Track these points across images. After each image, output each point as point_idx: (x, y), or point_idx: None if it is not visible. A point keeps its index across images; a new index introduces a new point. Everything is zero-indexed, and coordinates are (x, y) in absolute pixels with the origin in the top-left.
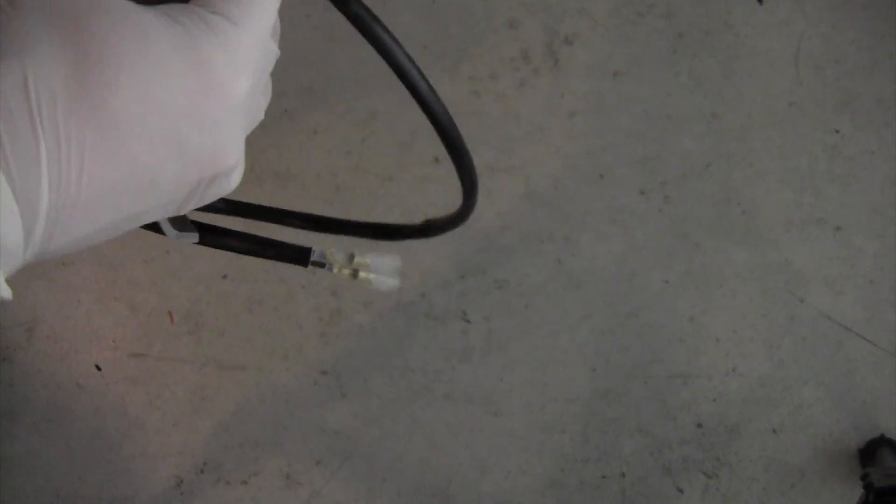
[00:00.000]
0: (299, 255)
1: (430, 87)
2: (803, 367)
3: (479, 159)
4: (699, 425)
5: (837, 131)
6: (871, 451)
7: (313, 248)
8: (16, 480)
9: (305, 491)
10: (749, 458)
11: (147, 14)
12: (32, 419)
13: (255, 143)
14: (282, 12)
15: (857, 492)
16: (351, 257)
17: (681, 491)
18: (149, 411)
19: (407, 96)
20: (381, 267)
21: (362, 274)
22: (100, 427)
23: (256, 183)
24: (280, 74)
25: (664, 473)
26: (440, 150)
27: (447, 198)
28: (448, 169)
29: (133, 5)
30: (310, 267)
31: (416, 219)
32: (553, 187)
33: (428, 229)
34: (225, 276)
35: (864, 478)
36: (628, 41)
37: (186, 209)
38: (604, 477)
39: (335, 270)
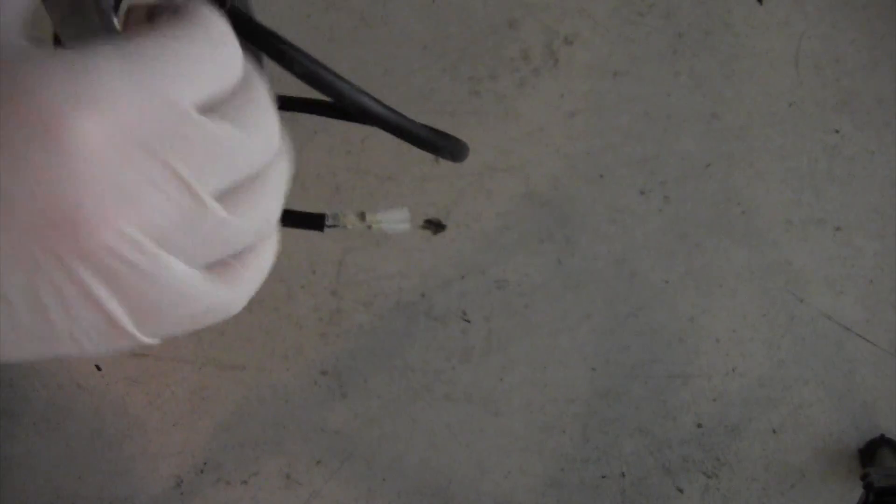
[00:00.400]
0: (314, 221)
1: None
2: (803, 367)
3: (480, 159)
4: (699, 425)
5: (837, 131)
6: (871, 451)
7: (326, 213)
8: (16, 480)
9: (305, 491)
10: (749, 458)
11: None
12: (32, 419)
13: None
14: (282, 13)
15: (857, 492)
16: (362, 215)
17: (681, 491)
18: (149, 411)
19: (406, 96)
20: (391, 217)
21: (374, 224)
22: (100, 427)
23: None
24: (281, 74)
25: (664, 473)
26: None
27: (447, 198)
28: (448, 169)
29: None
30: (326, 230)
31: (418, 220)
32: (553, 187)
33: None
34: None
35: (864, 478)
36: (628, 41)
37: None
38: (604, 477)
39: (349, 227)
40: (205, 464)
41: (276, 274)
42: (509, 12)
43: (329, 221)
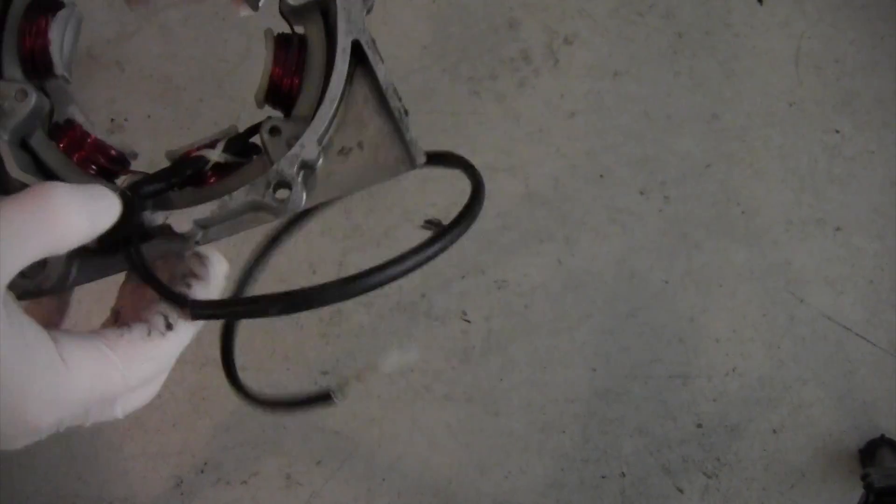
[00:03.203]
0: (324, 398)
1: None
2: (803, 367)
3: (480, 159)
4: (699, 425)
5: (837, 131)
6: (871, 452)
7: (330, 389)
8: (16, 480)
9: (305, 491)
10: (749, 458)
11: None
12: None
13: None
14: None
15: (858, 492)
16: (359, 373)
17: (681, 491)
18: (149, 411)
19: (404, 96)
20: (391, 361)
21: (370, 374)
22: (100, 427)
23: None
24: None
25: (664, 473)
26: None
27: (447, 198)
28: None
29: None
30: (337, 403)
31: (418, 220)
32: (553, 187)
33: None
34: (225, 277)
35: (864, 478)
36: (628, 41)
37: None
38: (604, 477)
39: (351, 389)
40: (205, 464)
41: (276, 274)
42: (509, 12)
43: (337, 397)
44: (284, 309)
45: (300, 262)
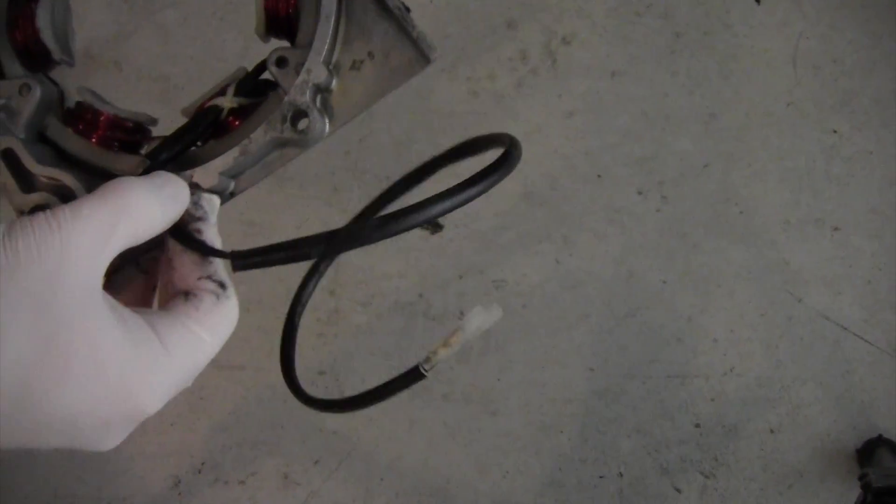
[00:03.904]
0: (414, 375)
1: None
2: (801, 367)
3: (479, 159)
4: (697, 425)
5: (835, 131)
6: (869, 452)
7: (419, 364)
8: (15, 480)
9: (303, 491)
10: (747, 458)
11: (106, 324)
12: None
13: None
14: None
15: (855, 492)
16: (445, 340)
17: (679, 491)
18: None
19: (404, 96)
20: (472, 320)
21: (455, 340)
22: None
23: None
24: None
25: (662, 473)
26: (437, 149)
27: None
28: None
29: (103, 311)
30: (429, 375)
31: None
32: (551, 187)
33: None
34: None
35: (862, 478)
36: (626, 41)
37: None
38: (602, 477)
39: (443, 357)
40: (203, 464)
41: (274, 274)
42: (507, 12)
43: (426, 367)
44: (328, 251)
45: (299, 263)
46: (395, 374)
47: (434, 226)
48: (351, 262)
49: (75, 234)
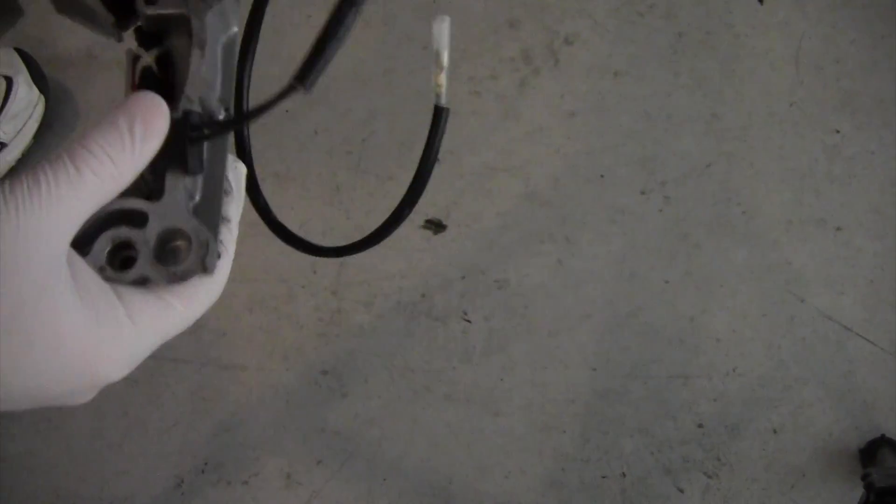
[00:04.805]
0: (440, 115)
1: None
2: (804, 367)
3: (480, 159)
4: (699, 425)
5: (838, 131)
6: (871, 451)
7: (436, 104)
8: (16, 480)
9: (306, 491)
10: (749, 458)
11: (68, 301)
12: (33, 419)
13: (256, 143)
14: (283, 13)
15: (858, 492)
16: (438, 66)
17: (681, 491)
18: (149, 411)
19: (406, 96)
20: (441, 38)
21: (444, 61)
22: (100, 427)
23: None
24: (281, 75)
25: (665, 473)
26: (440, 150)
27: (447, 198)
28: (448, 168)
29: (65, 288)
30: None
31: (418, 219)
32: (553, 187)
33: None
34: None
35: (864, 478)
36: (628, 41)
37: None
38: (604, 477)
39: (445, 82)
40: (205, 464)
41: (277, 274)
42: (509, 12)
43: (443, 101)
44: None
45: (300, 262)
46: (394, 375)
47: (437, 226)
48: (354, 262)
49: (34, 220)
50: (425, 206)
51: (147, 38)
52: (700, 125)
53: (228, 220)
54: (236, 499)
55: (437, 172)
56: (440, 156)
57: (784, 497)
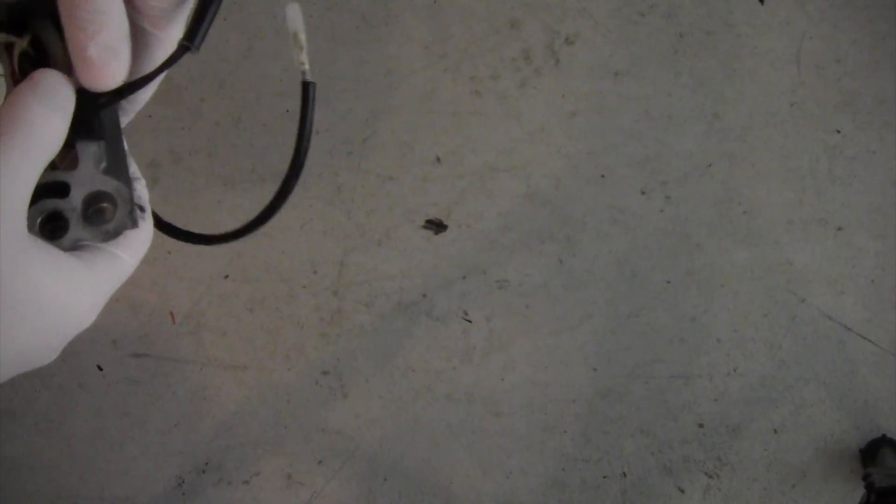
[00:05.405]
0: (308, 88)
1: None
2: (804, 366)
3: (481, 159)
4: (700, 425)
5: (839, 131)
6: (872, 451)
7: (303, 80)
8: (17, 480)
9: (307, 491)
10: (750, 458)
11: (43, 267)
12: (34, 419)
13: (257, 143)
14: (283, 13)
15: (859, 492)
16: (298, 47)
17: (682, 491)
18: (150, 411)
19: (406, 96)
20: (296, 20)
21: (301, 39)
22: (101, 427)
23: (258, 183)
24: (281, 74)
25: (665, 473)
26: (441, 149)
27: (448, 198)
28: (449, 169)
29: (37, 255)
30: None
31: (419, 220)
32: (554, 187)
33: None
34: (226, 277)
35: (865, 478)
36: (629, 41)
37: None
38: (605, 477)
39: (307, 60)
40: (206, 464)
41: (277, 274)
42: (511, 12)
43: (309, 77)
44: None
45: (301, 262)
46: (395, 375)
47: (438, 226)
48: (354, 262)
49: None
50: (426, 207)
51: (12, 26)
52: (701, 125)
53: (140, 178)
54: (237, 499)
55: (438, 173)
56: (440, 155)
57: (785, 497)
